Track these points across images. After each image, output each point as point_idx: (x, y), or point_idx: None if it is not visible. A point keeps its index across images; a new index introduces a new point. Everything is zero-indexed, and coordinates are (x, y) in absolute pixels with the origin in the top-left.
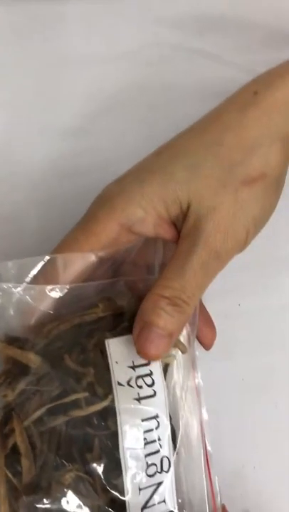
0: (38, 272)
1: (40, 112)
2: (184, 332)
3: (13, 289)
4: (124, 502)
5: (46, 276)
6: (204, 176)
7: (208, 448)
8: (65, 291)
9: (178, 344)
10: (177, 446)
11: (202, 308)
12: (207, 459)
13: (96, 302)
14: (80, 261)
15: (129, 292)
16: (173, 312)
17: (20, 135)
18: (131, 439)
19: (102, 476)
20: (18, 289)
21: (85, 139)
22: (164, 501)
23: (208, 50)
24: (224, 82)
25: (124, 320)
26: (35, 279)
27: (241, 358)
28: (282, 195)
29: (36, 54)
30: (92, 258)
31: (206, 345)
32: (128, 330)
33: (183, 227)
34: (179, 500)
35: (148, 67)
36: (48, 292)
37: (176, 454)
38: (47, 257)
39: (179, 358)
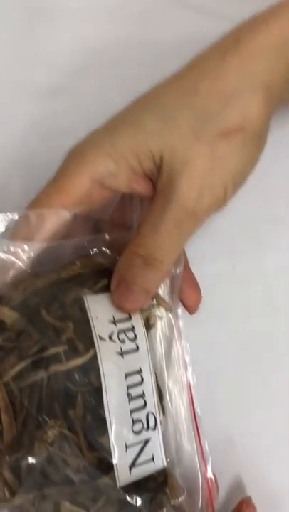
0: (12, 228)
1: (19, 69)
2: (166, 291)
3: None
4: (111, 461)
5: (20, 233)
6: (177, 127)
7: (197, 411)
8: (42, 248)
9: (161, 303)
10: (165, 406)
11: (187, 269)
12: (196, 422)
13: (74, 259)
14: (54, 218)
15: (107, 250)
16: (147, 270)
17: None
18: (115, 394)
19: (86, 434)
20: None
21: (67, 97)
22: (152, 459)
23: (196, 2)
24: (212, 36)
25: (104, 277)
26: (9, 236)
27: (236, 321)
28: (276, 149)
29: (13, 5)
30: (67, 215)
31: (190, 308)
32: (108, 288)
33: (158, 183)
34: (167, 459)
35: (132, 22)
36: (23, 249)
37: (164, 414)
38: (19, 214)
39: (163, 317)
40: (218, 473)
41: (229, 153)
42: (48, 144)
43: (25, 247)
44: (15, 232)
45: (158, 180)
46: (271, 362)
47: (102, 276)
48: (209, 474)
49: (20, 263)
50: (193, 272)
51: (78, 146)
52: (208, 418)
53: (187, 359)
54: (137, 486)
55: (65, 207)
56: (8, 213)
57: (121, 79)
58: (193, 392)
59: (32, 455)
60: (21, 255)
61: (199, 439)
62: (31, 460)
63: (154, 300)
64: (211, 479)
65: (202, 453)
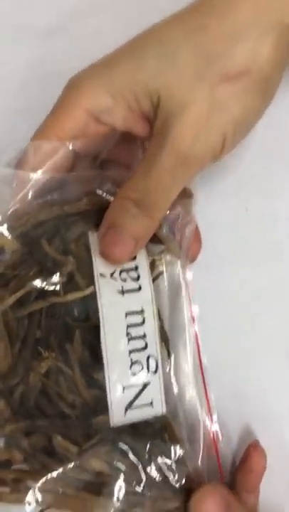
0: (16, 158)
1: (18, 12)
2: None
3: None
4: (106, 400)
5: (24, 163)
6: (177, 66)
7: (204, 361)
8: (46, 179)
9: (171, 248)
10: (170, 352)
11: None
12: (202, 372)
13: (81, 195)
14: (56, 149)
15: (115, 189)
16: (138, 215)
17: None
18: (113, 332)
19: (82, 370)
20: None
21: (67, 39)
22: (150, 404)
23: None
24: None
25: None
26: (13, 166)
27: (249, 264)
28: None
29: None
30: (66, 148)
31: (190, 258)
32: None
33: (154, 125)
34: (168, 407)
35: None
36: (28, 179)
37: (168, 360)
38: (22, 146)
39: (170, 264)
40: (226, 427)
41: (231, 98)
42: (47, 87)
43: (31, 176)
44: (19, 163)
45: (154, 123)
46: (284, 310)
47: None
48: (215, 427)
49: (23, 193)
50: (204, 212)
51: (76, 77)
52: (216, 370)
53: (195, 308)
54: (133, 430)
55: (61, 140)
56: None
57: (121, 20)
58: (200, 342)
59: (26, 385)
60: (24, 185)
61: (205, 391)
62: (25, 390)
63: (163, 247)
64: (216, 432)
65: (208, 405)
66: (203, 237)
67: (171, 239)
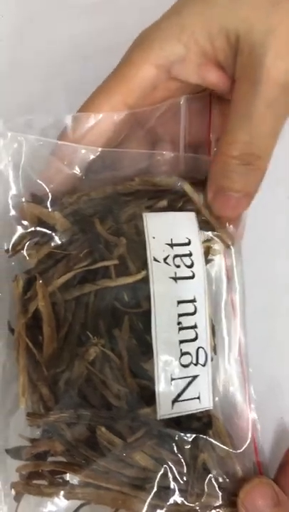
0: (63, 131)
1: None
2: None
3: (40, 143)
4: (153, 391)
5: (72, 136)
6: None
7: (246, 354)
8: (97, 153)
9: (224, 237)
10: (217, 344)
11: None
12: (244, 365)
13: (132, 175)
14: (106, 121)
15: (170, 170)
16: (247, 172)
17: (34, 14)
18: (164, 320)
19: (130, 358)
20: (41, 143)
21: (108, 14)
22: (198, 398)
23: None
24: None
25: (163, 199)
26: (61, 138)
27: None
28: None
29: None
30: (119, 118)
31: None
32: (167, 209)
33: (237, 66)
34: (216, 399)
35: None
36: (77, 152)
37: (215, 353)
38: (70, 116)
39: (221, 253)
40: (264, 419)
41: None
42: (88, 64)
43: (81, 150)
44: (66, 135)
45: (237, 62)
46: None
47: (162, 197)
48: (255, 424)
49: (72, 167)
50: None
51: (143, 33)
52: (256, 363)
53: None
54: (178, 424)
55: (126, 101)
56: (61, 115)
57: None
58: (241, 334)
59: (71, 372)
60: (75, 159)
61: (246, 383)
62: (70, 377)
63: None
64: (254, 422)
65: (249, 401)
66: (253, 224)
67: (223, 227)
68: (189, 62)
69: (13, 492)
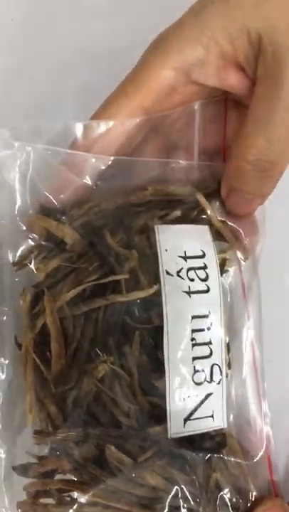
0: (74, 139)
1: None
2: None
3: (49, 153)
4: (164, 409)
5: (82, 145)
6: None
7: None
8: (108, 162)
9: (240, 249)
10: (231, 359)
11: None
12: (258, 381)
13: (144, 184)
14: (119, 129)
15: (184, 179)
16: (262, 178)
17: (45, 16)
18: (177, 336)
19: (140, 376)
20: (49, 152)
21: (119, 16)
22: (211, 416)
23: None
24: None
25: (177, 209)
26: (71, 147)
27: None
28: None
29: None
30: (132, 124)
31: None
32: (181, 220)
33: (259, 66)
34: (230, 415)
35: None
36: (88, 161)
37: (229, 368)
38: (80, 123)
39: (239, 263)
40: (278, 436)
41: None
42: (98, 67)
43: (92, 159)
44: (76, 144)
45: (259, 64)
46: None
47: (175, 208)
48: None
49: (83, 177)
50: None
51: (160, 35)
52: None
53: (256, 312)
54: (190, 443)
55: (143, 105)
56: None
57: None
58: (256, 349)
59: (79, 390)
60: (85, 168)
61: (261, 398)
62: (78, 395)
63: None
64: (269, 439)
65: (263, 413)
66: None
67: (237, 240)
68: (209, 65)
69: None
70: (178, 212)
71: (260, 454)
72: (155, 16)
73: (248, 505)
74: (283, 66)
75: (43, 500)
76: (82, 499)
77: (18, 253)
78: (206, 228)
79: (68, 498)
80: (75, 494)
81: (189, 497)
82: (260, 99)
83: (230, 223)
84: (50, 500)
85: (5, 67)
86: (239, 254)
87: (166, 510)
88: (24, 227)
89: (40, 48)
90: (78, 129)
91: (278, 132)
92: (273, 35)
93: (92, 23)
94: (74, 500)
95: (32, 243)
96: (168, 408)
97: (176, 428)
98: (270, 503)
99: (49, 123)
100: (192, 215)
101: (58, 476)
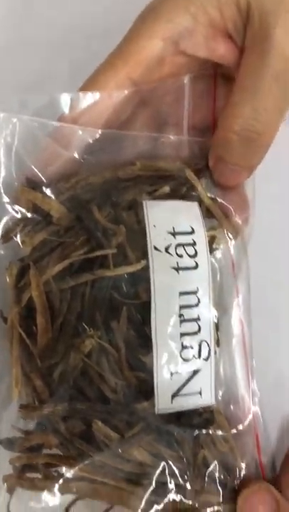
0: (62, 111)
1: None
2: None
3: (35, 124)
4: (152, 385)
5: (70, 117)
6: None
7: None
8: (96, 135)
9: (229, 226)
10: (220, 337)
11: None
12: (247, 359)
13: (133, 159)
14: (107, 101)
15: (174, 154)
16: (248, 149)
17: None
18: (164, 312)
19: (128, 351)
20: (36, 124)
21: None
22: (199, 393)
23: None
24: None
25: (166, 185)
26: (59, 119)
27: None
28: None
29: None
30: (120, 97)
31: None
32: (169, 196)
33: (247, 35)
34: (220, 392)
35: None
36: (75, 135)
37: (218, 346)
38: (67, 95)
39: (228, 241)
40: (268, 414)
41: None
42: (92, 44)
43: (79, 132)
44: (63, 116)
45: (247, 32)
46: None
47: (164, 183)
48: (258, 421)
49: (70, 150)
50: (261, 188)
51: (149, 5)
52: (259, 357)
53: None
54: (178, 419)
55: (131, 76)
56: (58, 95)
57: None
58: (245, 327)
59: (66, 364)
60: (73, 141)
61: (250, 376)
62: (65, 369)
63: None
64: (257, 416)
65: (251, 391)
66: (259, 213)
67: (227, 216)
68: (197, 34)
69: (5, 485)
70: (167, 189)
71: (248, 431)
72: None
73: (236, 482)
74: (270, 34)
75: (29, 475)
76: (69, 474)
77: (3, 226)
78: (195, 205)
79: (55, 474)
80: (62, 469)
81: (177, 473)
82: (247, 68)
83: (220, 200)
84: (36, 475)
85: None
86: (229, 232)
87: (154, 485)
88: (9, 199)
89: (31, 26)
90: (65, 101)
91: (265, 102)
92: (262, 2)
93: (83, 1)
94: (60, 475)
95: (18, 216)
96: (155, 383)
97: (163, 404)
98: (256, 486)
99: (36, 96)
100: (181, 192)
101: (44, 452)
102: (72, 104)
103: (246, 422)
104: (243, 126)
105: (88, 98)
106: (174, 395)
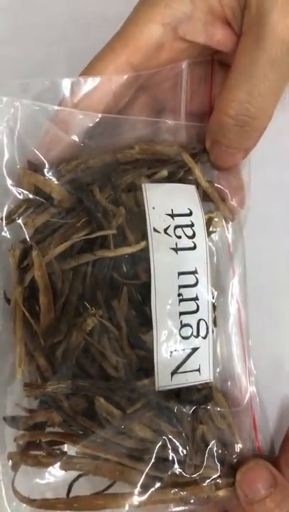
0: (62, 96)
1: None
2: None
3: (37, 108)
4: (152, 362)
5: (70, 101)
6: None
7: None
8: (96, 120)
9: (225, 209)
10: (217, 317)
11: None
12: (243, 338)
13: (131, 143)
14: (106, 85)
15: (171, 139)
16: (242, 132)
17: None
18: (164, 291)
19: (128, 329)
20: (37, 108)
21: None
22: (198, 370)
23: None
24: None
25: (164, 168)
26: (60, 104)
27: None
28: None
29: None
30: (119, 81)
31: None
32: (167, 179)
33: (244, 21)
34: (217, 370)
35: None
36: (75, 118)
37: (215, 326)
38: (68, 79)
39: (225, 223)
40: (266, 396)
41: None
42: (91, 34)
43: (79, 116)
44: (64, 100)
45: (244, 18)
46: None
47: (162, 167)
48: (255, 401)
49: (70, 133)
50: (258, 176)
51: None
52: (256, 340)
53: (241, 272)
54: (177, 395)
55: (130, 61)
56: (58, 79)
57: None
58: (241, 307)
59: (68, 343)
60: (73, 125)
61: (246, 355)
62: (67, 348)
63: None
64: (253, 395)
65: (248, 370)
66: (256, 200)
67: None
68: (196, 20)
69: (10, 462)
70: (165, 172)
71: (245, 410)
72: None
73: (233, 457)
74: (266, 19)
75: (33, 452)
76: (72, 451)
77: (6, 208)
78: (193, 188)
79: (58, 451)
80: (65, 447)
81: (177, 448)
82: (243, 53)
83: (216, 184)
84: (40, 452)
85: None
86: (225, 215)
87: (154, 460)
88: (12, 182)
89: (31, 15)
90: (66, 86)
91: (260, 86)
92: None
93: None
94: (64, 453)
95: (20, 198)
96: (155, 361)
97: (163, 381)
98: (253, 462)
99: (37, 80)
100: (179, 175)
101: (48, 429)
102: (73, 88)
103: (244, 401)
104: (237, 110)
105: (88, 83)
106: (174, 372)
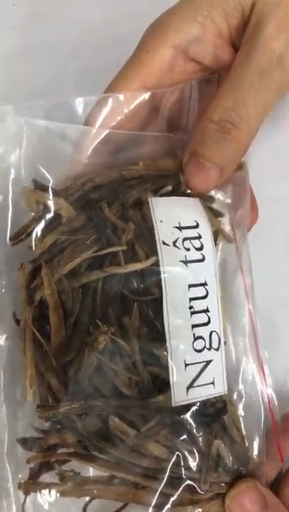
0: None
1: None
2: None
3: (43, 126)
4: (166, 378)
5: (87, 120)
6: None
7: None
8: (102, 136)
9: (221, 232)
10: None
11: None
12: (258, 348)
13: (136, 159)
14: (120, 106)
15: (175, 154)
16: (221, 141)
17: (46, 1)
18: (176, 305)
19: (141, 346)
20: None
21: (121, 2)
22: (212, 383)
23: None
24: None
25: (168, 183)
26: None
27: None
28: None
29: None
30: (134, 101)
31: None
32: (172, 193)
33: (244, 36)
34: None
35: None
36: (84, 135)
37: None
38: (81, 99)
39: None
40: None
41: None
42: (100, 53)
43: (92, 132)
44: (88, 119)
45: (244, 33)
46: None
47: (167, 182)
48: (275, 409)
49: (77, 151)
50: (260, 187)
51: (158, 18)
52: (269, 347)
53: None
54: (192, 411)
55: (145, 86)
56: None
57: None
58: (254, 318)
59: (80, 362)
60: (86, 144)
61: (261, 367)
62: (79, 367)
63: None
64: (272, 402)
65: (265, 383)
66: (259, 212)
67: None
68: (206, 42)
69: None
70: (169, 188)
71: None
72: (155, 2)
73: (249, 471)
74: (261, 31)
75: (44, 482)
76: (83, 472)
77: (10, 228)
78: (197, 200)
79: (71, 473)
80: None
81: (191, 465)
82: (235, 64)
83: (218, 197)
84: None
85: (7, 51)
86: (229, 227)
87: (168, 478)
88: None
89: (42, 33)
90: (76, 105)
91: (245, 96)
92: (262, 6)
93: (93, 9)
94: (76, 474)
95: (28, 218)
96: (171, 377)
97: (179, 396)
98: (243, 485)
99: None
100: (182, 189)
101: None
102: (86, 108)
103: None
104: (221, 115)
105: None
106: (189, 387)
